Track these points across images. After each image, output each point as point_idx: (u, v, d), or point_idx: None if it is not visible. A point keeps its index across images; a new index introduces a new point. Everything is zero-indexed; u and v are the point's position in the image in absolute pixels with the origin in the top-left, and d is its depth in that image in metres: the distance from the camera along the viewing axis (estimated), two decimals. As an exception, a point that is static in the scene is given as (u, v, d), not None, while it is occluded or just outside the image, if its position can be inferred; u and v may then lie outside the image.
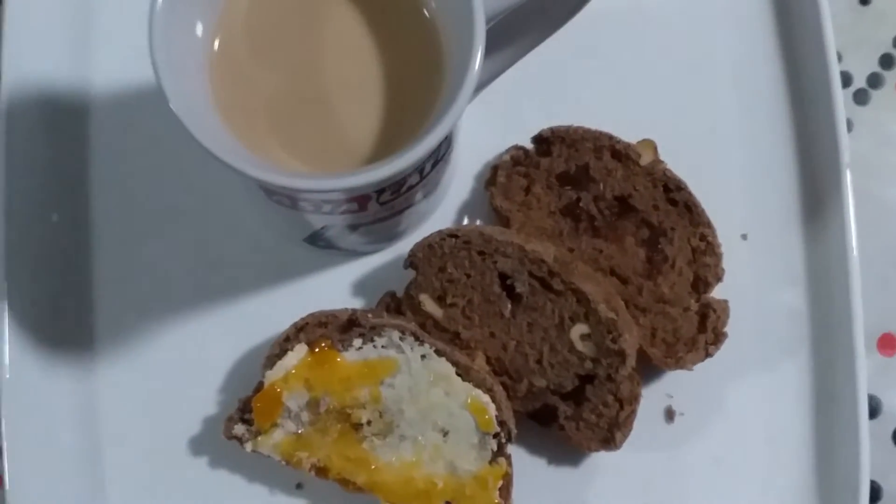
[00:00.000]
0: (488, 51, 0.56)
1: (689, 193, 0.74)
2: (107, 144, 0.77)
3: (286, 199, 0.61)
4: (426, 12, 0.61)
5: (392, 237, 0.75)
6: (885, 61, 0.84)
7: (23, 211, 0.74)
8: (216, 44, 0.61)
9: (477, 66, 0.55)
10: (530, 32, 0.67)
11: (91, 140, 0.77)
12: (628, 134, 0.75)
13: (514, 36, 0.67)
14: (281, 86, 0.61)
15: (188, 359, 0.75)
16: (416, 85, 0.61)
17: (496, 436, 0.68)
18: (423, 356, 0.69)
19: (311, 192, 0.59)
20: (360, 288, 0.76)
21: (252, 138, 0.60)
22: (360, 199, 0.61)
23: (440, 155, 0.63)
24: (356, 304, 0.76)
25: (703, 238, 0.73)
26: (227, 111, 0.60)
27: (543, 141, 0.76)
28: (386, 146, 0.60)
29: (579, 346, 0.69)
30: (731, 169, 0.78)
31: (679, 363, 0.71)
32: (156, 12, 0.55)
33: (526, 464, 0.73)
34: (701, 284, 0.73)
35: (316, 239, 0.71)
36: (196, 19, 0.59)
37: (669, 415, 0.75)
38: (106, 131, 0.78)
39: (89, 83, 0.78)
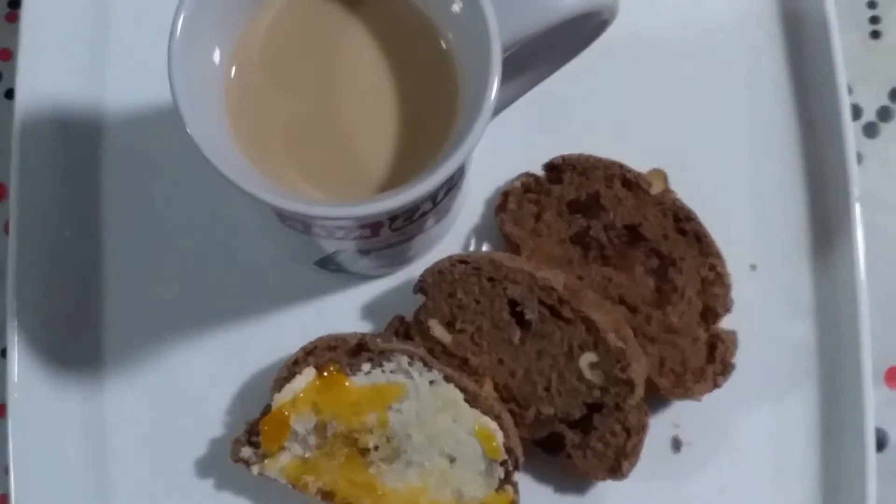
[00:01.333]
0: (502, 79, 0.56)
1: (699, 224, 0.74)
2: (119, 163, 0.78)
3: (299, 224, 0.61)
4: (443, 43, 0.62)
5: (402, 261, 0.76)
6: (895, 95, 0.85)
7: (35, 226, 0.74)
8: (233, 71, 0.61)
9: (493, 98, 0.55)
10: (544, 62, 0.67)
11: (104, 158, 0.78)
12: (639, 163, 0.75)
13: (527, 65, 0.67)
14: (297, 112, 0.62)
15: (196, 380, 0.75)
16: (432, 114, 0.61)
17: (503, 463, 0.68)
18: (431, 382, 0.69)
19: (324, 219, 0.59)
20: (370, 311, 0.76)
21: (267, 163, 0.60)
22: (372, 226, 0.62)
23: (453, 182, 0.64)
24: (365, 327, 0.76)
25: (712, 268, 0.73)
26: (243, 136, 0.60)
27: (555, 168, 0.76)
28: (401, 174, 0.60)
29: (588, 374, 0.70)
30: (740, 199, 0.78)
31: (687, 393, 0.72)
32: (175, 39, 0.56)
33: (532, 492, 0.73)
34: (710, 315, 0.73)
35: (327, 263, 0.71)
36: (214, 46, 0.60)
37: (676, 444, 0.75)
38: (119, 150, 0.78)
39: (103, 101, 0.78)
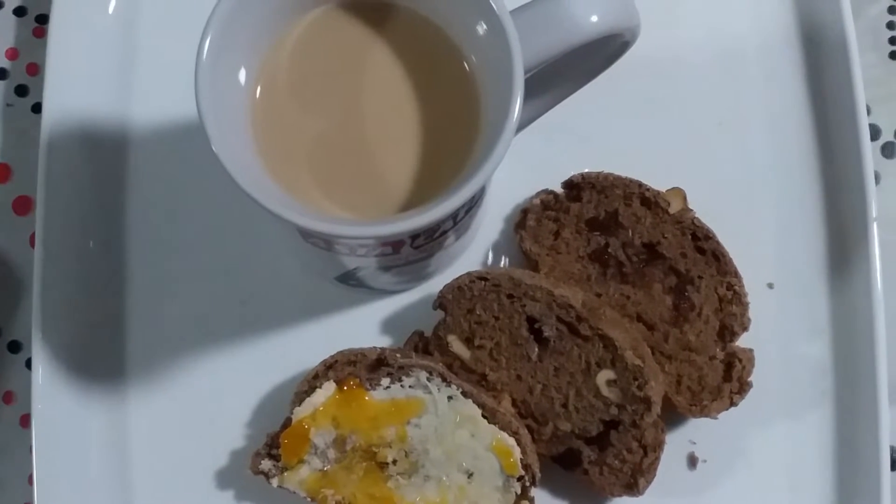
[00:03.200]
0: (523, 99, 0.57)
1: (717, 242, 0.74)
2: (144, 178, 0.78)
3: (322, 242, 0.62)
4: (466, 65, 0.62)
5: (422, 277, 0.76)
6: (914, 115, 0.85)
7: (60, 239, 0.75)
8: (258, 90, 0.62)
9: (515, 120, 0.56)
10: (565, 82, 0.68)
11: (129, 173, 0.78)
12: (658, 182, 0.76)
13: (549, 85, 0.68)
14: (321, 131, 0.62)
15: (217, 392, 0.75)
16: (454, 134, 0.61)
17: (520, 479, 0.69)
18: (449, 397, 0.69)
19: (347, 238, 0.59)
20: (389, 326, 0.77)
21: (291, 182, 0.61)
22: (394, 244, 0.62)
23: (474, 201, 0.64)
24: (385, 342, 0.76)
25: (729, 287, 0.74)
26: (267, 155, 0.61)
27: (574, 186, 0.77)
28: (423, 193, 0.61)
29: (605, 391, 0.70)
30: (758, 218, 0.79)
31: (704, 411, 0.72)
32: (202, 59, 0.56)
33: (549, 508, 0.74)
34: (727, 333, 0.74)
35: (348, 278, 0.72)
36: (240, 66, 0.60)
37: (692, 461, 0.75)
38: (144, 165, 0.79)
39: (129, 116, 0.79)
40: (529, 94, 0.58)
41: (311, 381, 0.71)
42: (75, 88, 0.78)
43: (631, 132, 0.80)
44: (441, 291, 0.73)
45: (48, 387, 0.73)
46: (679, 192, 0.76)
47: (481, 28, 0.59)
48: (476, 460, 0.69)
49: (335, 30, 0.63)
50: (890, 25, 0.86)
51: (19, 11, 0.85)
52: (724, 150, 0.80)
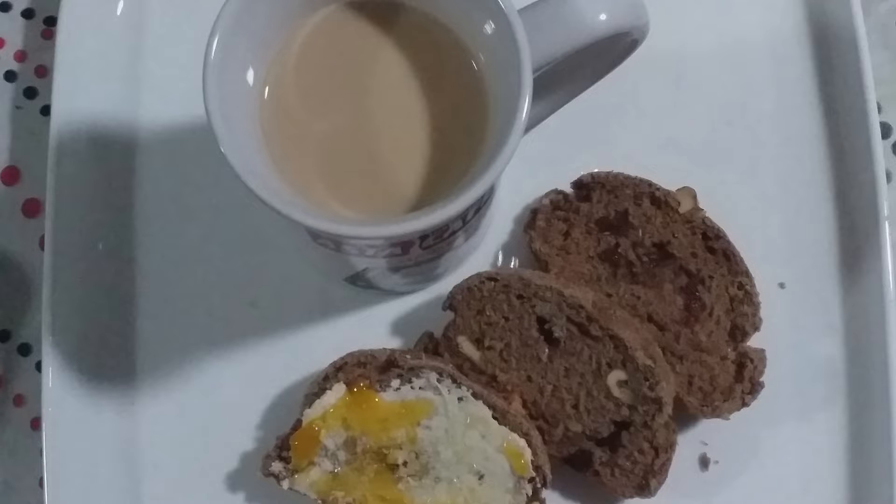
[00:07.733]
0: (532, 98, 0.57)
1: (728, 242, 0.74)
2: (153, 179, 0.78)
3: (330, 243, 0.62)
4: (475, 64, 0.62)
5: (432, 278, 0.76)
6: (925, 113, 0.84)
7: (69, 242, 0.75)
8: (266, 91, 0.62)
9: (523, 119, 0.56)
10: (574, 81, 0.68)
11: (138, 174, 0.78)
12: (668, 181, 0.75)
13: (558, 84, 0.68)
14: (329, 132, 0.62)
15: (227, 394, 0.75)
16: (463, 134, 0.61)
17: (531, 480, 0.68)
18: (460, 398, 0.69)
19: (356, 239, 0.59)
20: (399, 327, 0.77)
21: (300, 182, 0.61)
22: (403, 244, 0.62)
23: (483, 201, 0.64)
24: (395, 343, 0.76)
25: (741, 287, 0.73)
26: (275, 156, 0.61)
27: (584, 186, 0.76)
28: (431, 193, 0.61)
29: (616, 392, 0.70)
30: (769, 218, 0.78)
31: (715, 412, 0.71)
32: (210, 60, 0.56)
33: (560, 509, 0.73)
34: (738, 333, 0.73)
35: (357, 279, 0.72)
36: (248, 67, 0.60)
37: (704, 462, 0.75)
38: (153, 166, 0.79)
39: (138, 118, 0.79)
40: (538, 93, 0.58)
41: (321, 383, 0.70)
42: (84, 90, 0.77)
43: (640, 131, 0.80)
44: (451, 292, 0.72)
45: (58, 389, 0.73)
46: (689, 192, 0.75)
47: (489, 27, 0.59)
48: (487, 462, 0.69)
49: (343, 29, 0.63)
50: (900, 23, 0.86)
51: (27, 13, 0.85)
52: (733, 149, 0.80)
